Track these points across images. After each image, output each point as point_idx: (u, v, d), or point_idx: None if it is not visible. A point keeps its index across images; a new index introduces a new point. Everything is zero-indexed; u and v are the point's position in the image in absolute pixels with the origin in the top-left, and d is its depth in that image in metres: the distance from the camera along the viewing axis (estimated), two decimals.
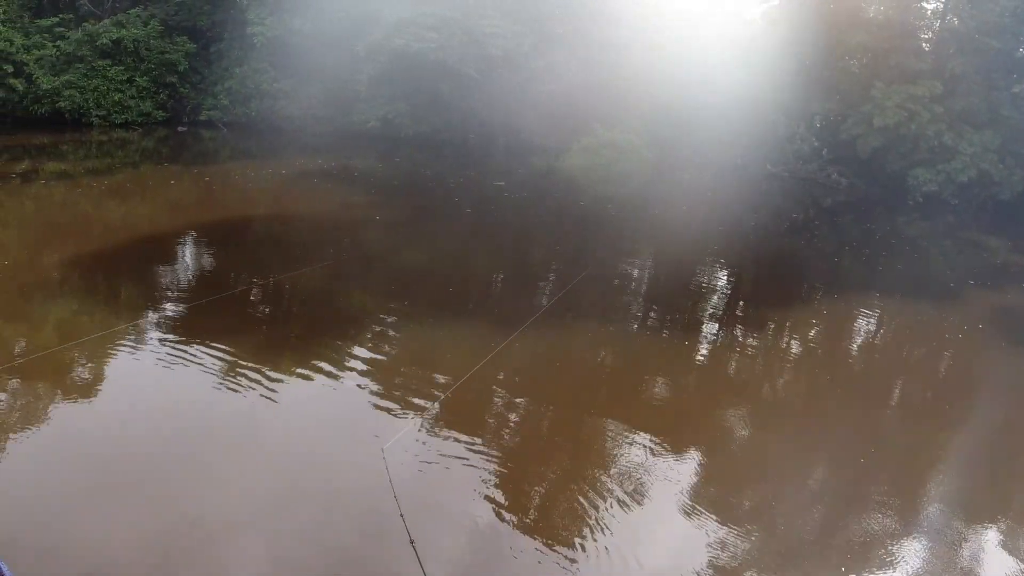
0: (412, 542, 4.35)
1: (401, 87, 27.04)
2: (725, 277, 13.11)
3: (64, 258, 11.10)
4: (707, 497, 5.74)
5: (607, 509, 5.41)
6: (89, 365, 7.38)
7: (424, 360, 8.23)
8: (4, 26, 25.89)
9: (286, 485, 5.54)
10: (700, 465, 6.19)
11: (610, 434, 6.54)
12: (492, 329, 8.88)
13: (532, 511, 5.44)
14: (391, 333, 9.07)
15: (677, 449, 6.33)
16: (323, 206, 16.09)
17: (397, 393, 7.22)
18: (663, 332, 10.01)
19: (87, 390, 6.87)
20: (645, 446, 6.32)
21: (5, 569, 4.47)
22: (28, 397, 6.56)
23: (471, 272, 12.04)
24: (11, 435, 5.79)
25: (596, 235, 15.41)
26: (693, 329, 9.96)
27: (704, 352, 9.18)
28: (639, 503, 5.58)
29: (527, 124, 26.94)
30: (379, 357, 8.27)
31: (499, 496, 5.53)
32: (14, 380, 6.83)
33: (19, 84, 26.07)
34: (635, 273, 13.05)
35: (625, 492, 5.64)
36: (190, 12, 30.35)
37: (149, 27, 28.46)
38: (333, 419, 6.81)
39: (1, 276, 10.14)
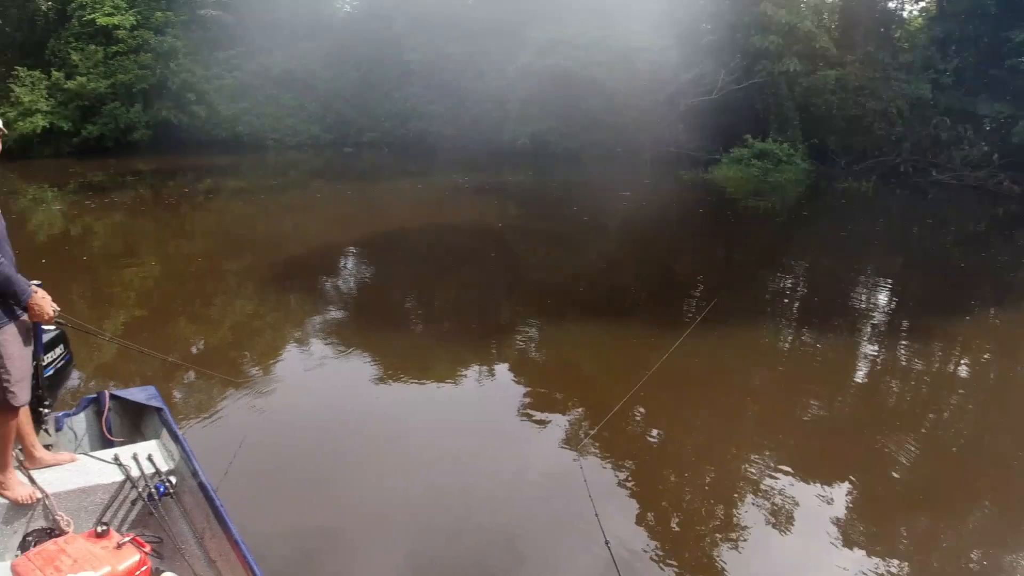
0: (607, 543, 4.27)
1: (550, 105, 27.60)
2: (887, 292, 12.22)
3: (241, 266, 12.24)
4: (860, 528, 5.37)
5: (752, 535, 5.19)
6: (265, 364, 8.04)
7: (572, 372, 8.32)
8: (187, 59, 28.98)
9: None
10: (853, 493, 5.77)
11: (757, 455, 6.28)
12: (636, 344, 8.88)
13: (672, 535, 5.31)
14: (547, 339, 9.19)
15: (827, 474, 5.96)
16: (472, 218, 16.78)
17: (551, 404, 7.32)
18: (817, 349, 9.48)
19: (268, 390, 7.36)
20: (791, 470, 6.01)
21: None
22: (194, 392, 7.18)
23: (602, 281, 12.04)
24: (190, 421, 6.39)
25: (732, 247, 14.97)
26: (848, 346, 9.35)
27: (861, 371, 8.60)
28: (787, 530, 5.31)
29: (675, 136, 26.65)
30: (535, 363, 8.48)
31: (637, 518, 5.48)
32: (189, 374, 7.64)
33: (202, 111, 29.10)
34: (782, 288, 12.41)
35: (769, 516, 5.41)
36: (351, 44, 32.53)
37: (314, 58, 30.93)
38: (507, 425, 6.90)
39: (183, 281, 11.34)
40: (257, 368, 7.79)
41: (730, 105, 26.33)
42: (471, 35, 29.99)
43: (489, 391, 7.47)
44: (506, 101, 28.97)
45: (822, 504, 5.49)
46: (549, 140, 28.01)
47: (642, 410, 6.87)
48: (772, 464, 6.00)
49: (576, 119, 27.75)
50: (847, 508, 5.51)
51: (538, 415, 6.84)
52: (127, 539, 3.54)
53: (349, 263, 13.17)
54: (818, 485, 5.72)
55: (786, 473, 5.84)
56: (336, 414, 6.78)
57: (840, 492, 5.69)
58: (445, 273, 12.16)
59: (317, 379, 7.61)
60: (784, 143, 24.69)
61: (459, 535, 4.95)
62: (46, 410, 4.26)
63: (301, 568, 4.31)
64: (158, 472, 4.07)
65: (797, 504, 5.47)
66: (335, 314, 9.96)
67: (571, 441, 6.26)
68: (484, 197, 19.92)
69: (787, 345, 9.34)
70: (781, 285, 12.21)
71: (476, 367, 7.95)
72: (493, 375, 7.80)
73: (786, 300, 11.47)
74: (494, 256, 13.80)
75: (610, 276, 12.33)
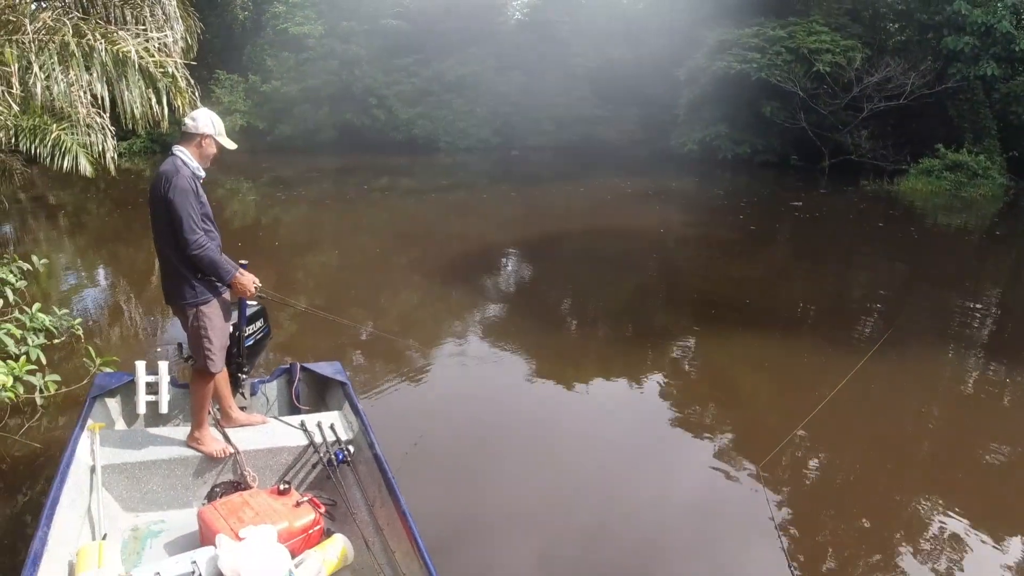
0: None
1: (721, 109, 26.86)
2: None
3: (410, 259, 12.87)
4: None
5: None
6: (419, 355, 8.32)
7: (748, 385, 8.08)
8: (369, 66, 30.76)
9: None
10: None
11: (925, 503, 5.75)
12: (801, 367, 8.40)
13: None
14: (705, 353, 8.91)
15: (1006, 527, 5.36)
16: (633, 224, 16.67)
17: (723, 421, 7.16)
18: (1005, 388, 8.54)
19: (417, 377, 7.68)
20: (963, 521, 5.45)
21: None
22: (360, 373, 7.55)
23: (768, 295, 11.50)
24: (374, 389, 6.80)
25: (915, 267, 13.77)
26: None
27: None
28: None
29: (857, 144, 25.14)
30: (691, 378, 8.32)
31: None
32: (359, 354, 8.15)
33: (381, 114, 30.84)
34: (969, 316, 11.11)
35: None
36: (518, 50, 33.21)
37: (484, 64, 32.06)
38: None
39: (358, 270, 12.07)
40: (420, 354, 8.17)
41: (920, 111, 24.49)
42: (638, 38, 29.79)
43: (642, 401, 7.31)
44: (673, 105, 28.50)
45: (997, 558, 4.96)
46: (718, 146, 27.24)
47: (807, 437, 6.51)
48: (949, 510, 5.49)
49: (747, 124, 26.83)
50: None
51: (692, 431, 6.60)
52: (305, 499, 3.87)
53: (509, 263, 13.49)
54: (996, 538, 5.19)
55: (965, 520, 5.33)
56: (490, 408, 6.94)
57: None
58: (603, 278, 12.17)
59: (474, 372, 7.84)
60: (980, 155, 22.60)
61: (609, 543, 4.89)
62: (244, 376, 4.74)
63: (453, 548, 4.49)
64: (338, 440, 4.40)
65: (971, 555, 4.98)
66: (494, 310, 10.24)
67: (728, 462, 6.03)
68: (646, 202, 19.73)
69: (971, 381, 8.47)
70: (968, 313, 11.10)
71: (629, 375, 7.84)
72: (646, 385, 7.65)
73: (973, 330, 10.40)
74: (654, 263, 13.63)
75: (777, 291, 11.80)
